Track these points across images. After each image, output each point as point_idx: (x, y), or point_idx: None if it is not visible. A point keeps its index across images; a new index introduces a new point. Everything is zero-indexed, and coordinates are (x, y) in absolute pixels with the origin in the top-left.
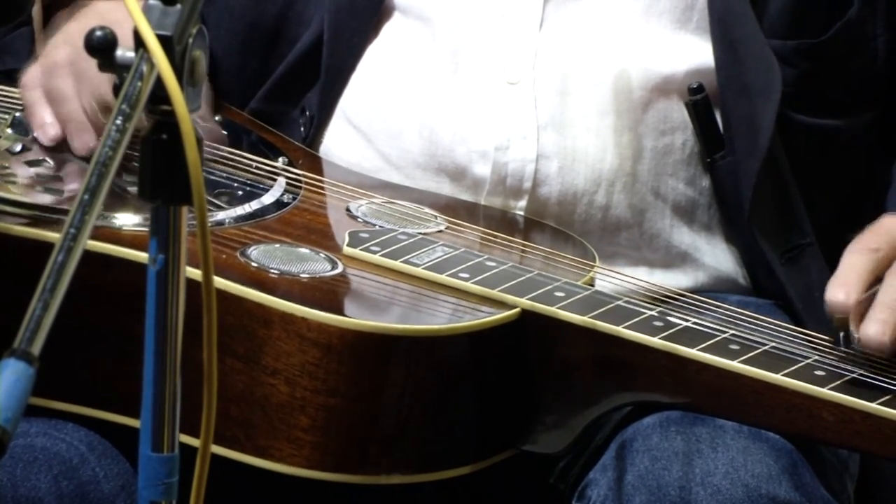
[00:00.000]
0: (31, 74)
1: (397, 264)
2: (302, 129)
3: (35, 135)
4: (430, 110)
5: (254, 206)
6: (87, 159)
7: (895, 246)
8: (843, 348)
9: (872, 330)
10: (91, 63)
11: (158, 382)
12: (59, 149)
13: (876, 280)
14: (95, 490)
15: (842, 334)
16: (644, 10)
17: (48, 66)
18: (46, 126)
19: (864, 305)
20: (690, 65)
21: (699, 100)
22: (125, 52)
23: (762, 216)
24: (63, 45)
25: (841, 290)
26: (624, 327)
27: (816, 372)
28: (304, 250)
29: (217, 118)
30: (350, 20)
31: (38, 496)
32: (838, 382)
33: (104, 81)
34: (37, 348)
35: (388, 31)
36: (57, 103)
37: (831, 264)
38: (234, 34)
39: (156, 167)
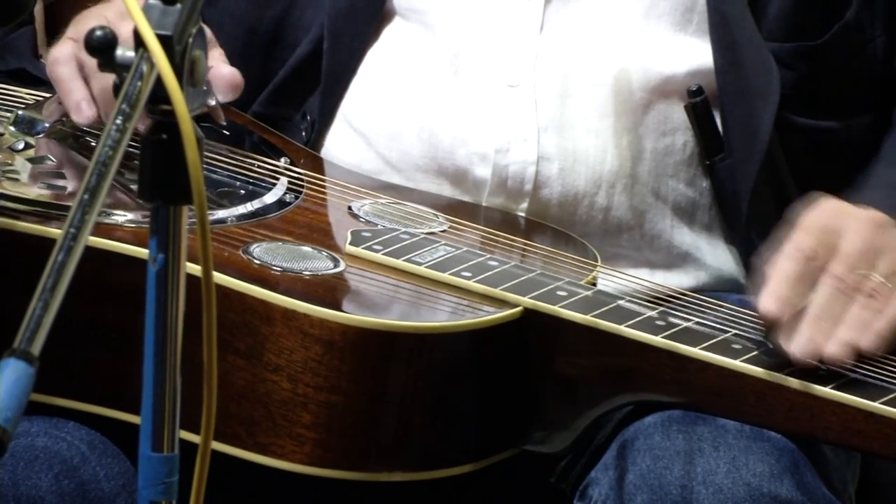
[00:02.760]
0: (62, 48)
1: (399, 263)
2: (303, 133)
3: (71, 116)
4: (431, 113)
5: (256, 205)
6: (89, 157)
7: (830, 247)
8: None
9: (800, 350)
10: None
11: (158, 383)
12: (62, 146)
13: (810, 284)
14: (96, 489)
15: (769, 345)
16: (644, 12)
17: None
18: (82, 104)
19: (797, 315)
20: (690, 66)
21: (698, 102)
22: (125, 51)
23: (761, 219)
24: (95, 19)
25: (775, 303)
26: (626, 326)
27: (818, 371)
28: (306, 248)
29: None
30: (349, 24)
31: (39, 495)
32: (840, 382)
33: None
34: (37, 348)
35: (388, 34)
36: (94, 76)
37: None
38: (234, 38)
39: (156, 167)
